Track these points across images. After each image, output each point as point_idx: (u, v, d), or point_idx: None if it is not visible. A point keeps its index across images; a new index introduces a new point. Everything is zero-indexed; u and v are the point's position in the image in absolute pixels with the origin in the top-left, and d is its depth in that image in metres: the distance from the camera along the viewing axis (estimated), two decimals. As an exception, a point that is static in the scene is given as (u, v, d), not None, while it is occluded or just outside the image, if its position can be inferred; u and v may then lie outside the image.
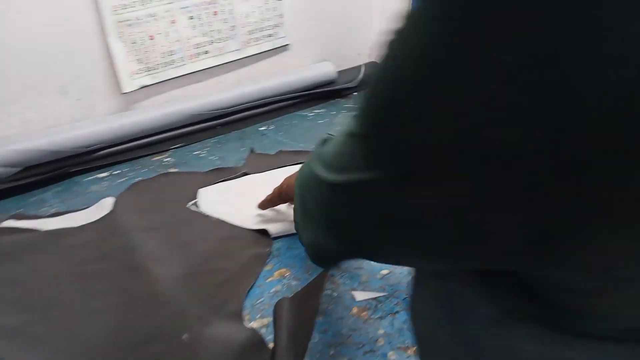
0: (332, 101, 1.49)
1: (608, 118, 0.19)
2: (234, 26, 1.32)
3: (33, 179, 0.99)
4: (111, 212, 0.86)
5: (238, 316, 0.65)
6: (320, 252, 0.45)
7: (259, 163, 1.08)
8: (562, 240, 0.23)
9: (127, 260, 0.75)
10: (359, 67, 1.59)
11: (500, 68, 0.20)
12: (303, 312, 0.61)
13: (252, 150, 1.15)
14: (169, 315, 0.65)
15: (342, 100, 1.50)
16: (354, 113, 0.29)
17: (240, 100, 1.30)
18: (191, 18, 1.23)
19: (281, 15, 1.42)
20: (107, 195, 0.95)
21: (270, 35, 1.42)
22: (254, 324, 0.64)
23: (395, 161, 0.26)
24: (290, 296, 0.64)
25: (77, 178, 1.03)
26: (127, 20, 1.12)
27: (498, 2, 0.19)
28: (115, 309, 0.66)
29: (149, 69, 1.19)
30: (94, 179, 1.03)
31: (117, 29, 1.11)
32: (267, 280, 0.73)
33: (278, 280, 0.72)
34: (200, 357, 0.59)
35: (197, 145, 1.19)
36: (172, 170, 1.06)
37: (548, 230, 0.23)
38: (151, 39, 1.17)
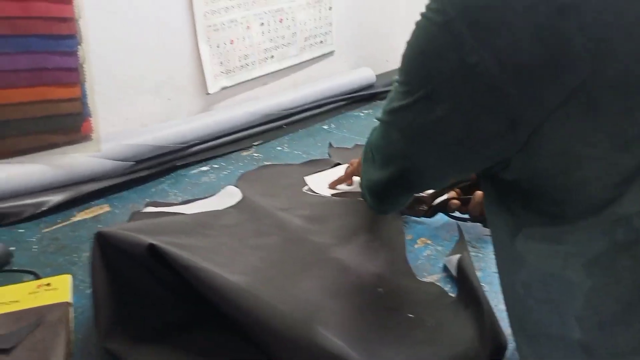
0: (373, 103, 1.61)
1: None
2: (294, 33, 1.42)
3: (146, 172, 1.04)
4: (243, 197, 0.94)
5: (412, 274, 0.75)
6: (377, 189, 0.62)
7: (343, 155, 1.18)
8: (525, 127, 0.38)
9: (285, 235, 0.83)
10: (394, 71, 1.72)
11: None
12: (469, 267, 0.72)
13: (330, 145, 1.24)
14: (354, 275, 0.74)
15: (383, 103, 1.62)
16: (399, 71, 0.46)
17: (302, 101, 1.40)
18: (262, 24, 1.32)
19: (330, 24, 1.53)
20: (219, 185, 1.02)
21: (321, 42, 1.53)
22: (428, 280, 0.74)
23: (422, 88, 0.42)
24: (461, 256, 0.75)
25: (182, 171, 1.10)
26: (214, 25, 1.20)
27: None
28: (304, 273, 0.74)
29: (227, 71, 1.27)
30: (198, 172, 1.10)
31: (206, 33, 1.18)
32: (416, 247, 0.83)
33: (425, 247, 0.83)
34: (399, 304, 0.68)
35: (274, 142, 1.27)
36: (267, 163, 1.14)
37: (515, 121, 0.38)
38: (231, 44, 1.25)
